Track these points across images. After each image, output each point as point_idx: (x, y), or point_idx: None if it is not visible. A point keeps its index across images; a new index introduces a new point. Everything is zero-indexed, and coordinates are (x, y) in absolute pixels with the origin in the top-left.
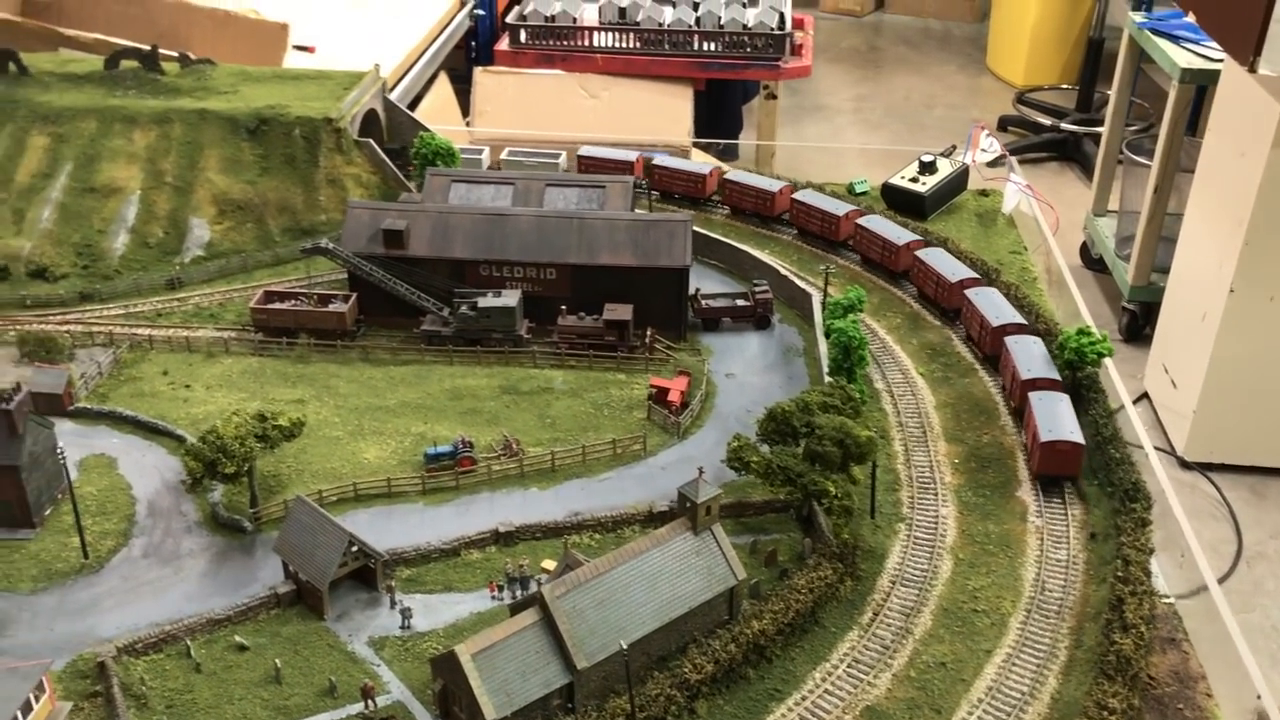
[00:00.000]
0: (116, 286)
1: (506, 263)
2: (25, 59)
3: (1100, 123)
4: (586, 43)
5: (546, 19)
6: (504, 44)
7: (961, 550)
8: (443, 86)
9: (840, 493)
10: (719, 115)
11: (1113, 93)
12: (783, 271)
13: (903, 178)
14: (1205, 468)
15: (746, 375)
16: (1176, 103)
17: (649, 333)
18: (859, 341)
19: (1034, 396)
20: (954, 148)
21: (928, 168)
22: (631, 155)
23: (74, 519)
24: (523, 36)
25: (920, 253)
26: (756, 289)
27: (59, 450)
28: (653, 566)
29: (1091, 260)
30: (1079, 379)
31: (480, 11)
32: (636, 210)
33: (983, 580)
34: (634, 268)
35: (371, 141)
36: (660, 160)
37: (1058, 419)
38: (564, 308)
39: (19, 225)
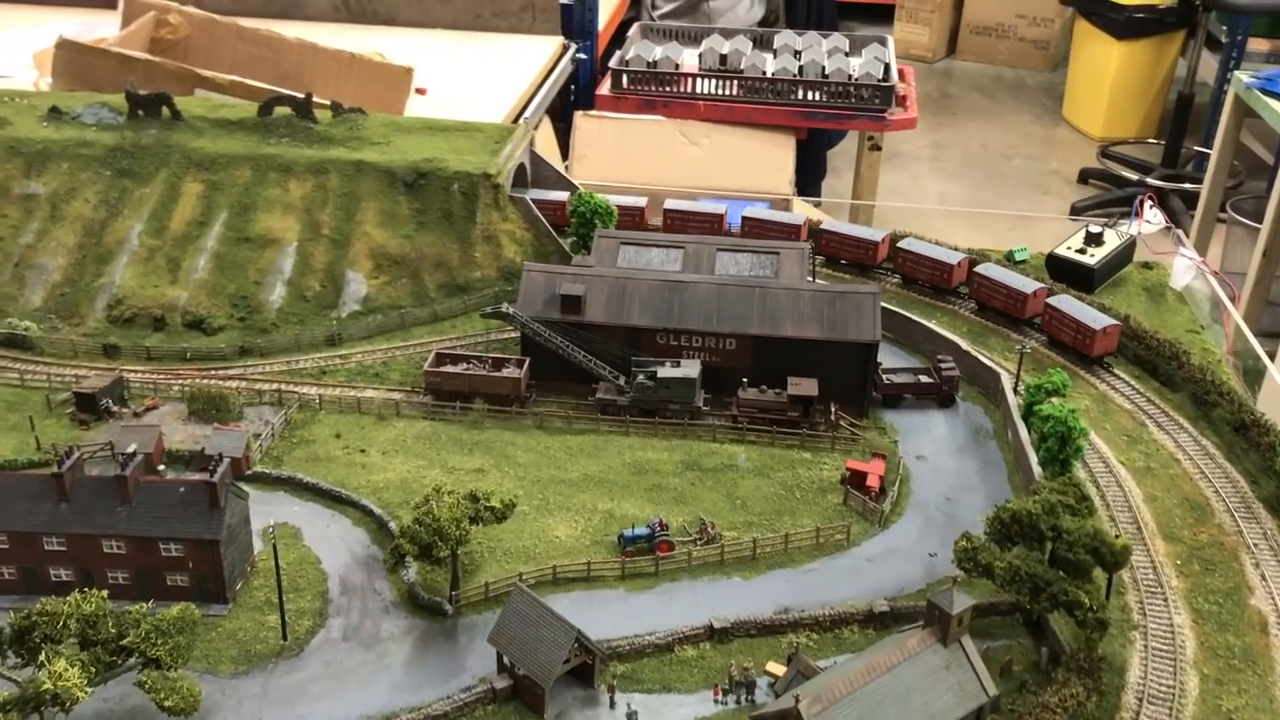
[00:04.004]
0: (276, 341)
1: (685, 331)
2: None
3: (1187, 179)
4: (688, 89)
5: (649, 64)
6: (605, 88)
7: (1205, 665)
8: (546, 131)
9: (1095, 604)
10: (803, 161)
11: (1214, 151)
12: (963, 346)
13: (1069, 248)
14: None
15: (938, 458)
16: None
17: (834, 409)
18: (1078, 431)
19: None
20: (1117, 219)
21: (1095, 239)
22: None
23: (277, 597)
24: (624, 81)
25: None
26: (941, 364)
27: (266, 530)
28: (904, 682)
29: None
30: None
31: (582, 56)
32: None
33: (1235, 700)
34: (819, 341)
35: (527, 198)
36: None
37: None
38: (745, 380)
39: (174, 274)
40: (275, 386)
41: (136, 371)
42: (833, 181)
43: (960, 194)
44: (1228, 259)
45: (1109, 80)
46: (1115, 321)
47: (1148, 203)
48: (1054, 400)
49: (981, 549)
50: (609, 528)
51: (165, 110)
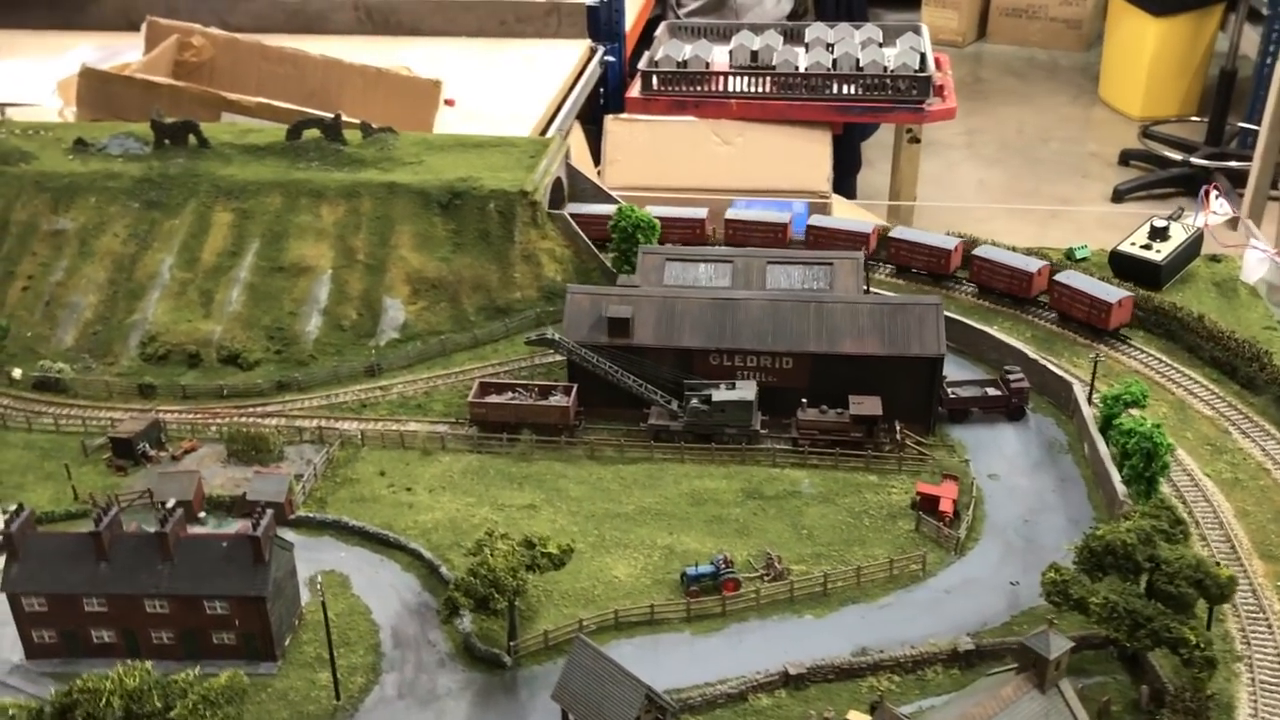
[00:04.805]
0: (314, 374)
1: (739, 351)
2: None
3: (1233, 156)
4: (720, 88)
5: (679, 64)
6: (635, 90)
7: None
8: (577, 137)
9: (1201, 641)
10: (837, 155)
11: (1264, 127)
12: (1030, 354)
13: (1133, 244)
14: None
15: (1012, 476)
16: None
17: (899, 428)
18: (1165, 447)
19: None
20: (1182, 211)
21: (1160, 233)
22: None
23: (328, 653)
24: (654, 82)
25: None
26: (1010, 376)
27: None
28: None
29: None
30: None
31: (610, 58)
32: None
33: None
34: (881, 357)
35: (566, 214)
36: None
37: None
38: (804, 400)
39: (207, 308)
40: (315, 423)
41: (172, 412)
42: (868, 174)
43: (998, 181)
44: None
45: (1147, 58)
46: (1128, 293)
47: (1213, 192)
48: (1133, 412)
49: (1073, 582)
50: (670, 565)
51: (192, 138)
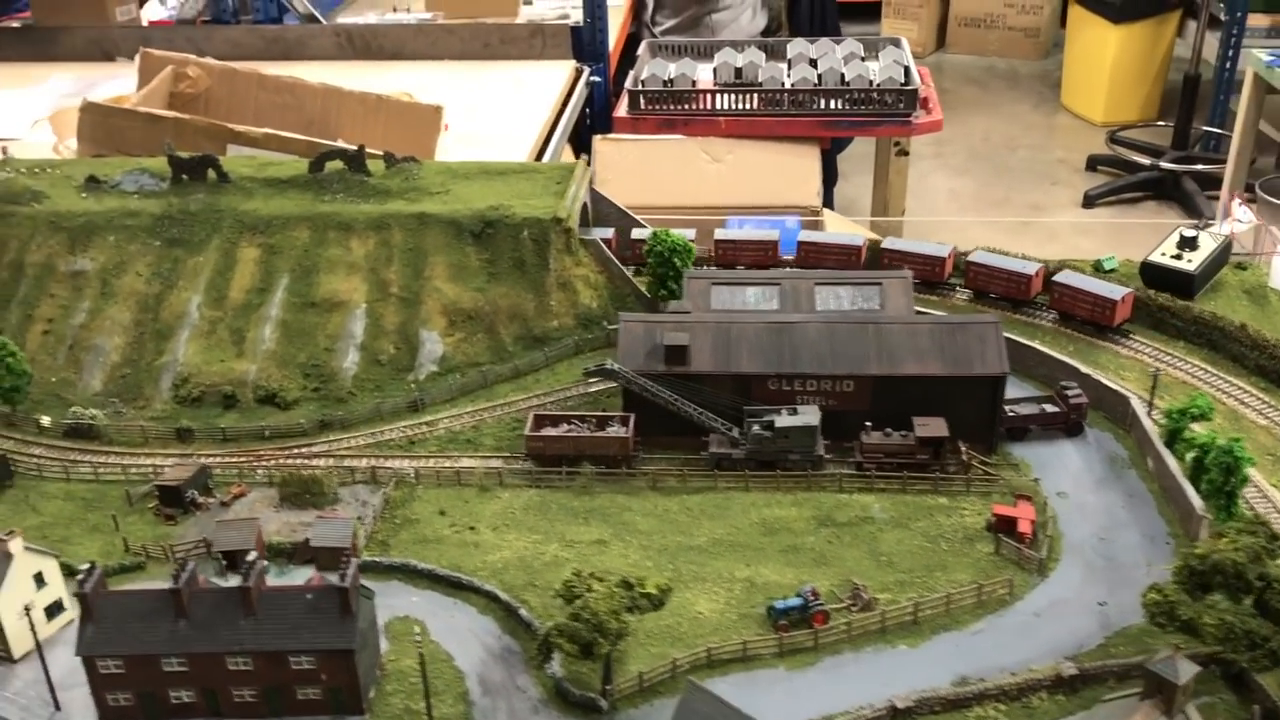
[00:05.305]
0: (356, 411)
1: (798, 376)
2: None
3: (1199, 160)
4: (707, 105)
5: (665, 83)
6: (622, 110)
7: None
8: (567, 159)
9: None
10: None
11: (1236, 132)
12: (1083, 369)
13: (1163, 254)
14: None
15: (1079, 494)
16: None
17: (964, 449)
18: (1245, 460)
19: None
20: (1209, 220)
21: (1189, 243)
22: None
23: (423, 704)
24: (642, 102)
25: None
26: (1068, 392)
27: (410, 634)
28: None
29: None
30: None
31: (596, 79)
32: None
33: None
34: (944, 377)
35: (598, 239)
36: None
37: None
38: (868, 424)
39: (239, 346)
40: (366, 462)
41: (214, 456)
42: (843, 187)
43: (968, 189)
44: (1261, 243)
45: (1108, 65)
46: (1130, 290)
47: (1236, 200)
48: (1195, 428)
49: (1180, 603)
50: (752, 598)
51: (211, 173)
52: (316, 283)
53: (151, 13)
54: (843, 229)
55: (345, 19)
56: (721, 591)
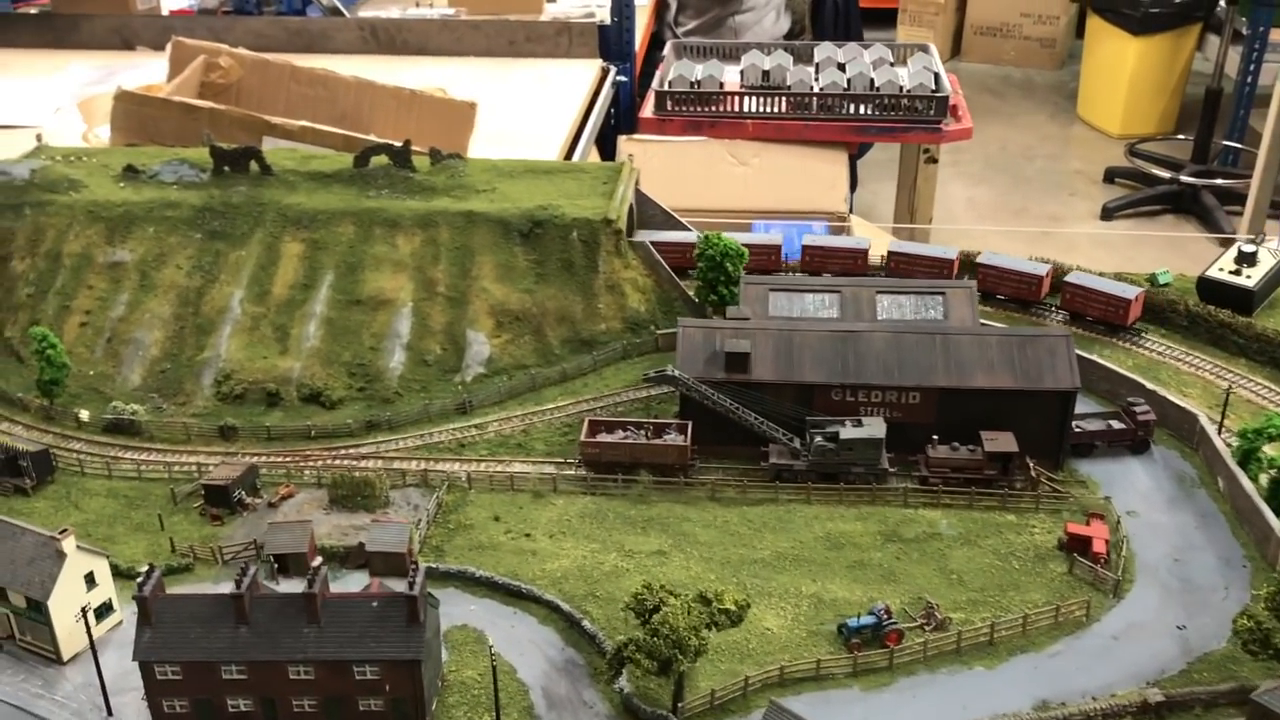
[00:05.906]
0: (403, 412)
1: (862, 386)
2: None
3: (1219, 174)
4: (735, 108)
5: (692, 84)
6: (647, 110)
7: None
8: (593, 159)
9: None
10: None
11: (1263, 147)
12: (1149, 385)
13: (1221, 270)
14: None
15: (1150, 513)
16: None
17: (1032, 465)
18: None
19: None
20: (1263, 235)
21: (1248, 258)
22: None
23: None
24: (668, 103)
25: None
26: (1135, 408)
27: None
28: None
29: None
30: None
31: (622, 78)
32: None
33: None
34: (1013, 391)
35: (647, 242)
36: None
37: None
38: (935, 437)
39: (283, 343)
40: (418, 465)
41: (259, 455)
42: (861, 193)
43: (986, 198)
44: None
45: (1126, 77)
46: (1142, 289)
47: None
48: (1267, 450)
49: (1275, 630)
50: (820, 615)
51: (254, 165)
52: (362, 280)
53: (172, 2)
54: (869, 235)
55: (367, 12)
56: (789, 607)
